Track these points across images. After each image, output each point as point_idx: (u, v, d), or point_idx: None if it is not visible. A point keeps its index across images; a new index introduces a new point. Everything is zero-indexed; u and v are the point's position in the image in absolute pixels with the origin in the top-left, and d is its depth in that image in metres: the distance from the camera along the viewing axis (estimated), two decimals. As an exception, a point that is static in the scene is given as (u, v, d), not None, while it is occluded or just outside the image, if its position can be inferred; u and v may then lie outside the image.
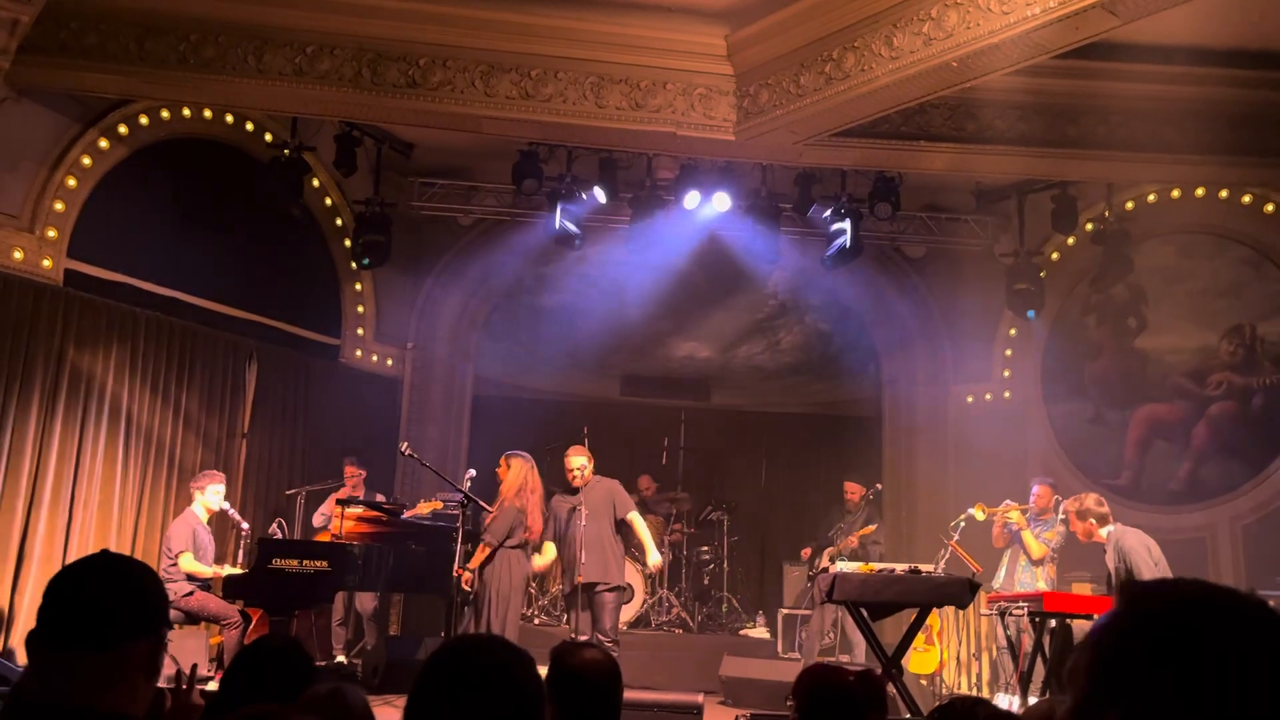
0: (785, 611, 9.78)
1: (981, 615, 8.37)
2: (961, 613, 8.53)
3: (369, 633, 8.88)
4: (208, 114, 8.43)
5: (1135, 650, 0.88)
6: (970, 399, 10.32)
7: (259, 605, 6.95)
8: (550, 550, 7.11)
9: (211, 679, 6.24)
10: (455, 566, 6.51)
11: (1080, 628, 6.24)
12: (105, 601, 1.67)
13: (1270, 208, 8.82)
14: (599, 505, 7.00)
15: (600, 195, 8.77)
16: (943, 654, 8.58)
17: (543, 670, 1.79)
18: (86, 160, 7.74)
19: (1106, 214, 9.00)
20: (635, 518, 7.14)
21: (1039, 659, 6.36)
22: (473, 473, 7.04)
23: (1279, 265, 8.81)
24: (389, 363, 10.28)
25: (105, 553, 1.83)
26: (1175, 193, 9.20)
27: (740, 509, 10.64)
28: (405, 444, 7.74)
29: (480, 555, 6.85)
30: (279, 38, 7.23)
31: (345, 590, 8.10)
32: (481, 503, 6.81)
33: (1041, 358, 9.95)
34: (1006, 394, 10.13)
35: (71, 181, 7.66)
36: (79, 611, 1.67)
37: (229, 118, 8.62)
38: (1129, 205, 9.20)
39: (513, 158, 8.63)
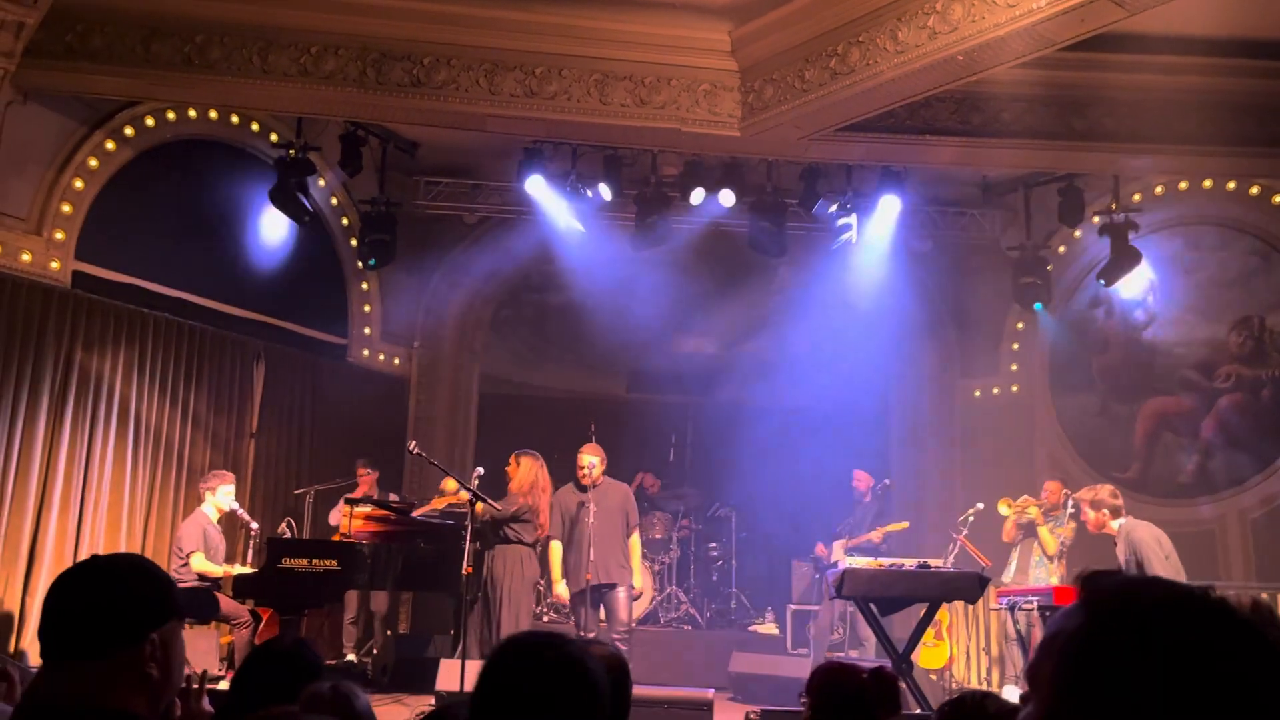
0: (794, 607, 9.77)
1: (990, 610, 8.36)
2: (970, 607, 8.54)
3: (379, 633, 8.90)
4: (213, 115, 8.43)
5: (1096, 659, 0.87)
6: (978, 393, 10.30)
7: (269, 605, 6.98)
8: (556, 550, 7.12)
9: (222, 678, 6.26)
10: (465, 564, 6.52)
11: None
12: (89, 614, 1.64)
13: (1278, 199, 8.78)
14: (612, 509, 7.05)
15: (605, 192, 8.76)
16: (952, 649, 8.57)
17: None
18: (93, 162, 7.75)
19: (1113, 206, 8.96)
20: (635, 539, 7.23)
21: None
22: (480, 470, 7.05)
23: (1287, 256, 8.78)
24: (396, 362, 10.30)
25: (94, 559, 1.77)
26: (1183, 184, 9.15)
27: (748, 505, 10.63)
28: (413, 443, 7.75)
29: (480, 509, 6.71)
30: (284, 38, 7.24)
31: (355, 589, 8.13)
32: (490, 500, 6.82)
33: (1049, 351, 9.91)
34: (1014, 388, 10.10)
35: (78, 184, 7.67)
36: (65, 625, 1.65)
37: (234, 118, 8.63)
38: (1136, 197, 9.15)
39: (517, 156, 8.63)
